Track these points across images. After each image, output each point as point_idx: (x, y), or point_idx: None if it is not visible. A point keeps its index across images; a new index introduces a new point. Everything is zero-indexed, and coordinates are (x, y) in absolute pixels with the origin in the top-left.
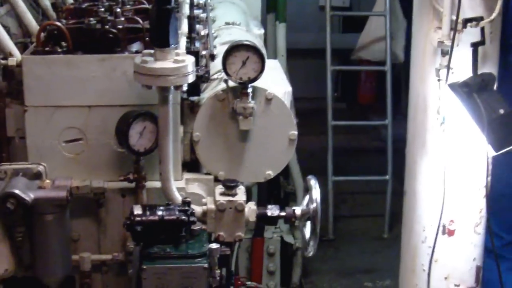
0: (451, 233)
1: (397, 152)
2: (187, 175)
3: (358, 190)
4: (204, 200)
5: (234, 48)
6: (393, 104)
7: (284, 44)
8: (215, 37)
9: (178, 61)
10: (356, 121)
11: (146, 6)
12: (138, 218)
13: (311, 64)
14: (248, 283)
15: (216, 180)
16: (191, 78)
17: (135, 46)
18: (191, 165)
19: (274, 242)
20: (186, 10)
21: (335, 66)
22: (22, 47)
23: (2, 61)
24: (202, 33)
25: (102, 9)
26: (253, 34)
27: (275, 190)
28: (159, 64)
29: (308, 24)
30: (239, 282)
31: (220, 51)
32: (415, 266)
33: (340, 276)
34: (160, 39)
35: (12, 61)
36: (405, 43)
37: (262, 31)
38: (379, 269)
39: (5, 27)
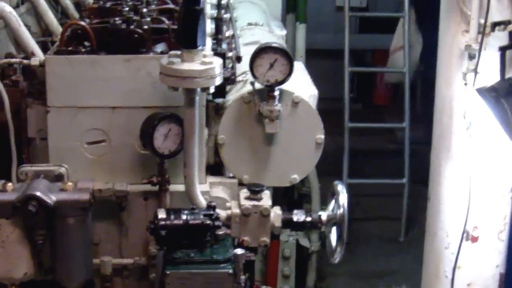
0: (474, 239)
1: (413, 155)
2: (211, 179)
3: (372, 192)
4: (228, 204)
5: (262, 50)
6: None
7: (303, 44)
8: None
9: (206, 62)
10: (373, 123)
11: (171, 6)
12: (163, 222)
13: (326, 65)
14: (263, 287)
15: (240, 184)
16: (218, 80)
17: (160, 47)
18: (215, 168)
19: (289, 245)
20: (208, 10)
21: (352, 67)
22: (42, 46)
23: (25, 61)
24: (227, 34)
25: (127, 9)
26: (276, 35)
27: (289, 192)
28: (186, 66)
29: (325, 24)
30: (254, 286)
31: (243, 52)
32: (438, 272)
33: (355, 279)
34: (187, 40)
35: (35, 61)
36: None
37: (284, 32)
38: (395, 273)
39: (25, 26)
